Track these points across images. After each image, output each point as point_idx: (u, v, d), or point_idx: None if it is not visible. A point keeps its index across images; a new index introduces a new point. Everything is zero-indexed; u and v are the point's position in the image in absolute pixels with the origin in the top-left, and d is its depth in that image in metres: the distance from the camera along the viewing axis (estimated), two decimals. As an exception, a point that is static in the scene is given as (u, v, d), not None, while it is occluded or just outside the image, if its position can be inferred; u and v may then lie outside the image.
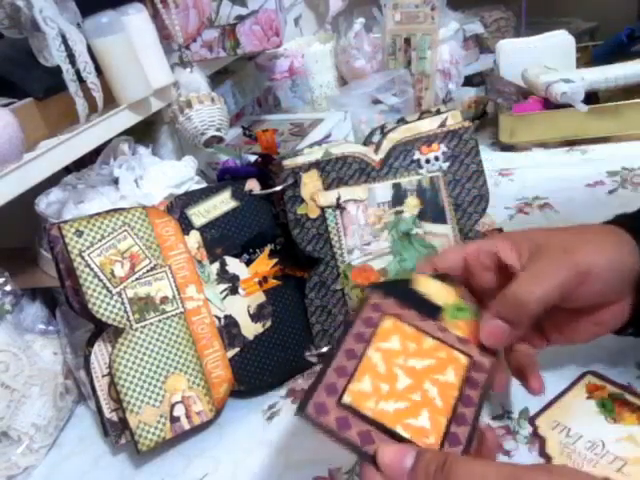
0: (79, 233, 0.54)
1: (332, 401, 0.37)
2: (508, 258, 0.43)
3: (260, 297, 0.60)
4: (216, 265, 0.60)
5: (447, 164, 0.62)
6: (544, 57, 1.02)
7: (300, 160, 0.61)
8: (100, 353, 0.55)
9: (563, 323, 0.45)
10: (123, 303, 0.54)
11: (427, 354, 0.40)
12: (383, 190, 0.61)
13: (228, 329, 0.58)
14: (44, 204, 0.66)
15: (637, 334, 0.47)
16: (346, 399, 0.37)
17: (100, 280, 0.54)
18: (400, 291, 0.43)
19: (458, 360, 0.40)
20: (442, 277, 0.45)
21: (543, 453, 0.45)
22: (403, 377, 0.38)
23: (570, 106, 0.91)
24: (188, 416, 0.54)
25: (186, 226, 0.59)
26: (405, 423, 0.36)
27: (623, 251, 0.42)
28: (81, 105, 0.61)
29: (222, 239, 0.60)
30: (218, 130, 0.78)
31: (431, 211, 0.61)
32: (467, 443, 0.36)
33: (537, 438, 0.46)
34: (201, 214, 0.60)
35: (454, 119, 0.63)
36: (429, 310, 0.43)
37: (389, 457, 0.34)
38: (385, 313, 0.42)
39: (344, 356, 0.39)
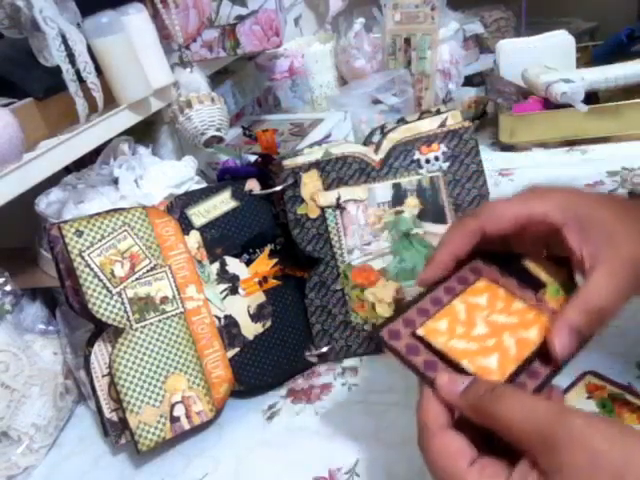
0: (79, 233, 0.54)
1: (407, 331, 0.39)
2: (574, 243, 0.39)
3: (260, 297, 0.60)
4: (216, 265, 0.60)
5: (447, 164, 0.62)
6: (544, 57, 1.02)
7: (300, 160, 0.61)
8: (100, 353, 0.55)
9: None
10: (123, 303, 0.54)
11: (514, 313, 0.40)
12: (383, 190, 0.61)
13: (228, 329, 0.58)
14: (44, 204, 0.66)
15: None
16: (420, 332, 0.39)
17: (100, 280, 0.54)
18: (505, 261, 0.43)
19: (545, 323, 0.40)
20: (553, 258, 0.44)
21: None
22: (482, 326, 0.40)
23: (570, 106, 0.91)
24: (188, 416, 0.54)
25: (186, 226, 0.59)
26: (472, 359, 0.37)
27: None
28: (81, 105, 0.61)
29: (222, 239, 0.60)
30: (218, 130, 0.78)
31: (431, 211, 0.61)
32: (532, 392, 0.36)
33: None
34: (201, 214, 0.60)
35: (454, 119, 0.63)
36: (531, 283, 0.42)
37: (445, 380, 0.36)
38: (483, 276, 0.43)
39: (429, 302, 0.41)
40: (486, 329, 0.39)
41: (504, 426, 0.32)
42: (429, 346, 0.38)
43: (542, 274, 0.43)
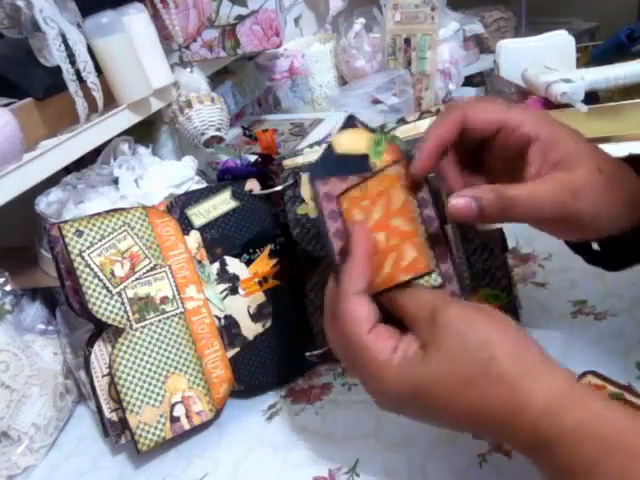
0: (79, 233, 0.54)
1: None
2: (533, 162, 0.40)
3: (260, 297, 0.60)
4: (216, 265, 0.60)
5: (447, 164, 0.62)
6: (544, 57, 1.02)
7: (300, 160, 0.61)
8: (100, 353, 0.55)
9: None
10: (123, 303, 0.54)
11: (377, 198, 0.42)
12: (383, 190, 0.61)
13: (228, 329, 0.58)
14: (44, 204, 0.66)
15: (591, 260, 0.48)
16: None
17: (100, 280, 0.54)
18: (332, 165, 0.45)
19: (391, 177, 0.42)
20: (350, 126, 0.47)
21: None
22: (380, 235, 0.42)
23: (570, 106, 0.91)
24: (188, 416, 0.54)
25: (186, 226, 0.59)
26: (400, 269, 0.40)
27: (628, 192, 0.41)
28: (81, 105, 0.61)
29: (222, 239, 0.60)
30: (218, 130, 0.78)
31: (431, 211, 0.61)
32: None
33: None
34: (201, 214, 0.60)
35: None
36: (361, 164, 0.45)
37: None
38: (336, 196, 0.44)
39: (341, 257, 0.42)
40: (383, 234, 0.42)
41: (400, 306, 0.39)
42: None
43: (355, 148, 0.46)
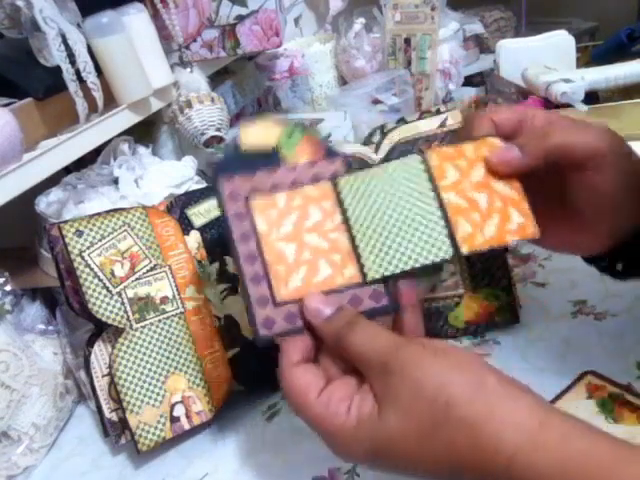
0: (79, 233, 0.54)
1: (270, 309, 0.39)
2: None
3: (260, 297, 0.60)
4: (216, 265, 0.60)
5: (447, 164, 0.62)
6: (544, 57, 1.02)
7: (300, 160, 0.61)
8: (100, 353, 0.55)
9: (550, 218, 0.43)
10: (123, 303, 0.54)
11: (476, 161, 0.41)
12: (383, 190, 0.61)
13: (228, 329, 0.58)
14: (44, 204, 0.66)
15: (604, 268, 0.47)
16: (278, 298, 0.39)
17: (100, 280, 0.54)
18: (238, 162, 0.42)
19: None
20: (261, 118, 0.45)
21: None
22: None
23: (570, 106, 0.91)
24: (188, 416, 0.54)
25: (186, 226, 0.59)
26: (506, 230, 0.39)
27: None
28: (81, 105, 0.61)
29: (222, 239, 0.60)
30: (218, 130, 0.78)
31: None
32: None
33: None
34: (201, 214, 0.60)
35: (454, 119, 0.63)
36: (271, 159, 0.42)
37: (313, 303, 0.38)
38: (244, 196, 0.41)
39: (247, 264, 0.39)
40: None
41: (353, 354, 0.36)
42: (294, 301, 0.39)
43: (264, 142, 0.43)
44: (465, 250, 0.39)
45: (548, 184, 0.42)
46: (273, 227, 0.40)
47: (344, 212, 0.40)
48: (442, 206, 0.39)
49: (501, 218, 0.39)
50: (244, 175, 0.41)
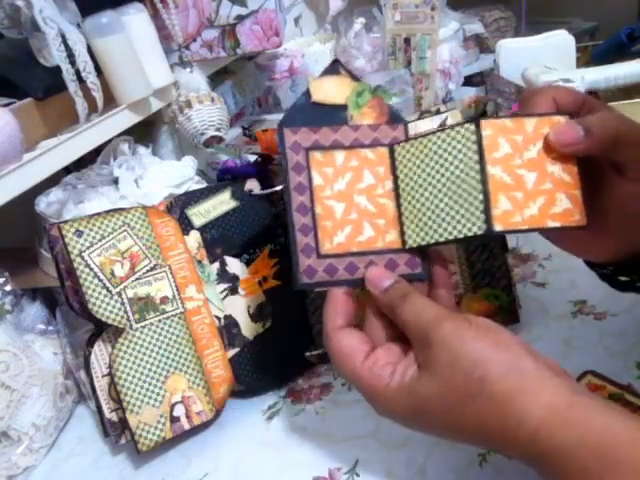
0: (79, 233, 0.54)
1: (314, 259, 0.41)
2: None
3: (260, 297, 0.60)
4: (216, 265, 0.60)
5: (447, 164, 0.62)
6: (544, 57, 1.02)
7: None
8: (100, 353, 0.55)
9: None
10: (123, 303, 0.54)
11: (534, 138, 0.39)
12: (383, 190, 0.61)
13: (228, 329, 0.58)
14: (44, 204, 0.66)
15: (605, 276, 0.47)
16: (322, 251, 0.41)
17: (100, 280, 0.54)
18: (304, 113, 0.43)
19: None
20: (333, 72, 0.44)
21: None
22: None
23: (570, 106, 0.91)
24: (188, 416, 0.54)
25: (186, 226, 0.59)
26: (549, 214, 0.38)
27: None
28: (81, 105, 0.61)
29: (222, 239, 0.60)
30: (218, 130, 0.78)
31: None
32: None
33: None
34: (201, 214, 0.60)
35: (454, 119, 0.63)
36: (336, 115, 0.43)
37: (374, 273, 0.41)
38: (305, 148, 0.42)
39: (299, 214, 0.41)
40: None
41: (403, 323, 0.39)
42: (337, 255, 0.41)
43: (332, 97, 0.44)
44: (499, 228, 0.37)
45: (585, 179, 0.40)
46: (327, 183, 0.41)
47: (395, 180, 0.42)
48: (485, 180, 0.38)
49: (547, 200, 0.38)
50: (309, 127, 0.42)
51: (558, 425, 0.32)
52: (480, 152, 0.38)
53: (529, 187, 0.38)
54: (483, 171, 0.38)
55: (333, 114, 0.43)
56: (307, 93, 0.44)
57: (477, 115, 0.40)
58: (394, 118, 0.43)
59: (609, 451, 0.30)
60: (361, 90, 0.43)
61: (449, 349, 0.35)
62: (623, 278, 0.46)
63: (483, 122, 0.38)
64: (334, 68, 0.44)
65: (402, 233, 0.41)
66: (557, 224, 0.38)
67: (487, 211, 0.37)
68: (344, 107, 0.43)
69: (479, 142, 0.38)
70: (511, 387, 0.34)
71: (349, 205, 0.41)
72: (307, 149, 0.42)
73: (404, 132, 0.43)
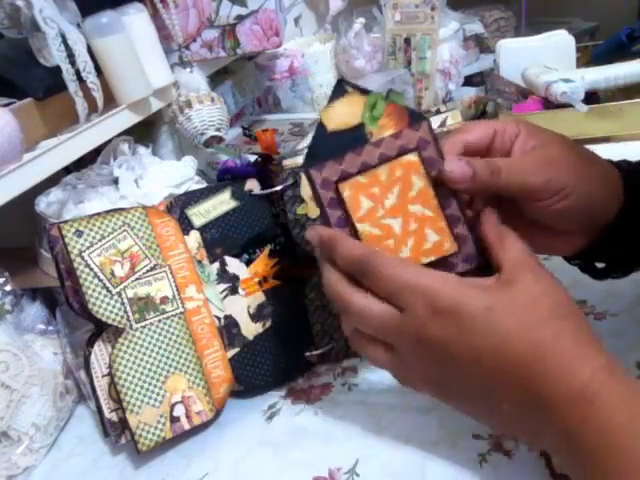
0: (79, 233, 0.54)
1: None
2: (516, 148, 0.43)
3: (260, 297, 0.60)
4: (216, 265, 0.60)
5: (447, 164, 0.62)
6: (544, 57, 1.02)
7: (300, 160, 0.61)
8: (100, 353, 0.55)
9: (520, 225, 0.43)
10: (123, 303, 0.54)
11: (391, 185, 0.41)
12: (383, 190, 0.61)
13: (228, 329, 0.58)
14: (44, 204, 0.66)
15: (584, 268, 0.50)
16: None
17: (100, 280, 0.54)
18: (325, 147, 0.42)
19: (410, 163, 0.42)
20: (339, 94, 0.43)
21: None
22: (395, 222, 0.41)
23: (570, 106, 0.91)
24: (188, 416, 0.54)
25: (186, 226, 0.59)
26: (421, 251, 0.41)
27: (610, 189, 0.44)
28: (81, 105, 0.61)
29: (222, 239, 0.60)
30: (218, 130, 0.78)
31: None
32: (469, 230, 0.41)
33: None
34: (201, 214, 0.60)
35: (454, 119, 0.63)
36: (357, 137, 0.42)
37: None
38: (335, 181, 0.42)
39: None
40: (399, 220, 0.41)
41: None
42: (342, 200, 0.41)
43: (348, 119, 0.43)
44: None
45: (507, 203, 0.43)
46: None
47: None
48: (358, 238, 0.41)
49: (416, 240, 0.41)
50: (333, 159, 0.42)
51: (607, 377, 0.35)
52: (348, 213, 0.42)
53: (397, 232, 0.41)
54: (355, 230, 0.42)
55: (353, 137, 0.42)
56: (321, 125, 0.43)
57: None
58: (414, 118, 0.42)
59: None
60: (374, 102, 0.42)
61: (533, 276, 0.37)
62: (599, 265, 0.49)
63: (340, 186, 0.42)
64: (340, 89, 0.43)
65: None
66: (432, 258, 0.41)
67: None
68: (362, 126, 0.42)
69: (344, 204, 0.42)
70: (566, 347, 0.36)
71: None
72: (336, 182, 0.42)
73: (428, 130, 0.42)
